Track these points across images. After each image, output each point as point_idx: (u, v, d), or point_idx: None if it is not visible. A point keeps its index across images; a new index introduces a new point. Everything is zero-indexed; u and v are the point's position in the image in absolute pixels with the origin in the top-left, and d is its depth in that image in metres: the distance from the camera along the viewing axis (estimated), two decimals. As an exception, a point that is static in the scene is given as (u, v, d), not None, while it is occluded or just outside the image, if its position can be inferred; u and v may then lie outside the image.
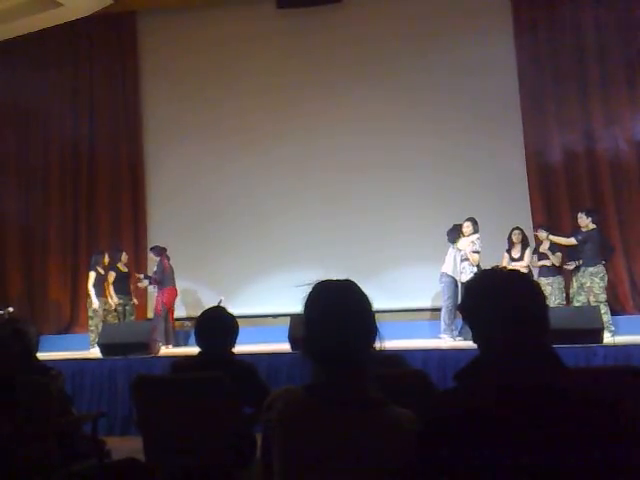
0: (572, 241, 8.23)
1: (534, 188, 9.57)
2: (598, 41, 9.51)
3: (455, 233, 8.35)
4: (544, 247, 8.46)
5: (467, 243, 8.21)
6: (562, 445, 1.36)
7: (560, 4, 9.53)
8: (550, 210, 9.51)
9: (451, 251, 8.35)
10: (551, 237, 8.44)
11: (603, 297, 7.92)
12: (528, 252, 8.44)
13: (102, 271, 9.35)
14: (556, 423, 1.37)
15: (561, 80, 9.57)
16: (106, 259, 9.45)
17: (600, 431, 1.37)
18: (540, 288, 1.60)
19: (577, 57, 9.59)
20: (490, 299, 1.54)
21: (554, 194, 9.57)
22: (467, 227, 8.32)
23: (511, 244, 8.61)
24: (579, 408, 1.39)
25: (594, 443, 1.36)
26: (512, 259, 8.52)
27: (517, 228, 8.74)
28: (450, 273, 8.25)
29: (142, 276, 9.61)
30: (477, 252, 8.17)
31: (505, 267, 1.62)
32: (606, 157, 9.41)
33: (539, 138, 9.55)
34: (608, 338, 7.02)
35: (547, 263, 8.35)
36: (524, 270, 8.18)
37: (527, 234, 8.64)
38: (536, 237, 8.72)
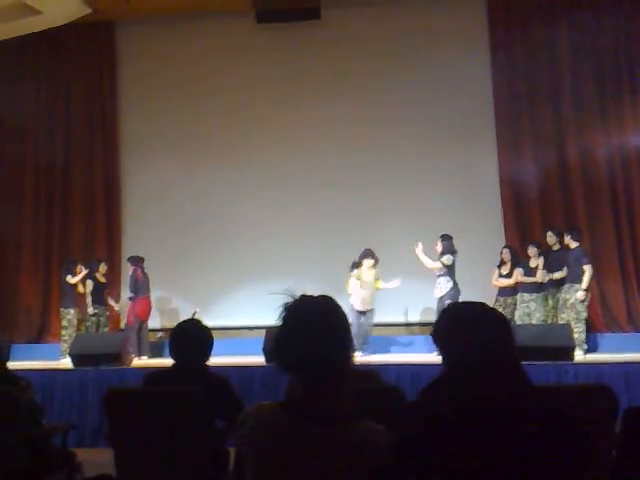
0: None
1: (507, 205, 9.69)
2: (572, 62, 9.68)
3: (357, 264, 8.61)
4: (533, 263, 8.54)
5: (370, 278, 8.53)
6: (523, 457, 1.39)
7: (535, 26, 9.67)
8: (523, 228, 9.62)
9: (352, 280, 8.58)
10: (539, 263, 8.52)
11: (584, 315, 8.01)
12: (517, 271, 8.54)
13: (74, 280, 9.29)
14: (519, 436, 1.40)
15: (535, 99, 9.72)
16: (78, 269, 9.37)
17: (563, 448, 1.40)
18: (505, 319, 1.67)
19: (551, 78, 9.74)
20: (457, 331, 1.61)
21: (527, 212, 9.69)
22: (437, 245, 8.43)
23: (501, 261, 8.75)
24: (542, 424, 1.42)
25: (556, 460, 1.39)
26: (500, 275, 8.68)
27: (506, 246, 8.91)
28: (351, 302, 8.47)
29: (114, 302, 9.65)
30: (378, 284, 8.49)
31: (475, 302, 1.73)
32: (579, 177, 9.56)
33: (513, 156, 9.67)
34: (580, 356, 7.12)
35: (531, 280, 8.41)
36: (511, 286, 8.50)
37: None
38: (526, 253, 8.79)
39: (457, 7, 10.01)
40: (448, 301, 7.95)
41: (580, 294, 7.93)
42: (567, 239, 8.27)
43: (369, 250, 8.59)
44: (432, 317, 8.61)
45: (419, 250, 8.35)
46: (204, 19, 10.42)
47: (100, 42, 10.75)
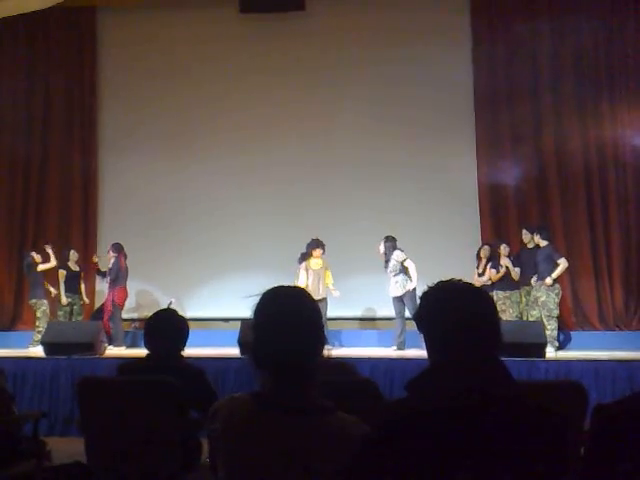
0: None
1: (484, 205, 9.74)
2: (552, 60, 9.76)
3: (305, 255, 8.61)
4: (505, 261, 8.60)
5: (320, 263, 8.56)
6: (507, 454, 1.39)
7: (517, 23, 9.72)
8: (499, 227, 9.68)
9: (302, 272, 8.56)
10: (507, 262, 8.59)
11: (556, 312, 8.07)
12: (489, 268, 8.62)
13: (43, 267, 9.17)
14: (501, 433, 1.41)
15: (515, 99, 9.77)
16: (36, 258, 9.21)
17: (543, 442, 1.42)
18: (493, 302, 1.63)
19: (531, 75, 9.81)
20: (443, 310, 1.57)
21: (503, 212, 9.75)
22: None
23: (479, 259, 8.80)
24: (525, 420, 1.43)
25: (538, 453, 1.40)
26: (478, 274, 8.73)
27: (486, 244, 8.95)
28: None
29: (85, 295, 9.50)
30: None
31: (460, 279, 1.67)
32: (555, 175, 9.65)
33: (491, 153, 9.73)
34: (550, 353, 7.20)
35: (500, 275, 8.50)
36: (487, 284, 8.47)
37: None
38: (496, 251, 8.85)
39: (441, 2, 10.05)
40: (408, 301, 8.05)
41: (548, 280, 7.99)
42: (536, 238, 8.35)
43: (317, 240, 8.59)
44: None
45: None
46: (187, 6, 10.34)
47: (81, 28, 10.63)
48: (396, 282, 8.22)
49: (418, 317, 1.63)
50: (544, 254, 8.20)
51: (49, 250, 9.24)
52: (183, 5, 10.35)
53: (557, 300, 8.13)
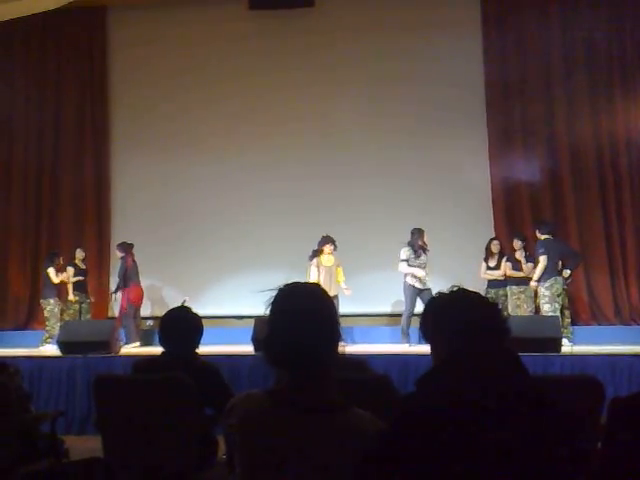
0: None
1: (497, 200, 9.69)
2: (564, 54, 9.69)
3: (317, 252, 8.59)
4: (518, 255, 8.57)
5: (331, 260, 8.57)
6: (521, 449, 1.39)
7: (528, 19, 9.68)
8: (513, 223, 9.61)
9: (313, 269, 8.55)
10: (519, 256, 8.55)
11: (547, 307, 7.92)
12: (504, 262, 8.59)
13: (57, 280, 9.19)
14: (515, 426, 1.40)
15: (527, 94, 9.72)
16: (61, 261, 9.31)
17: (557, 435, 1.41)
18: (496, 304, 1.67)
19: (543, 69, 9.76)
20: (449, 316, 1.59)
21: (517, 207, 9.70)
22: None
23: (489, 253, 8.76)
24: (540, 413, 1.43)
25: (553, 447, 1.40)
26: (489, 267, 8.69)
27: (496, 238, 8.91)
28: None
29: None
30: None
31: (460, 287, 1.73)
32: (568, 169, 9.59)
33: (504, 150, 9.66)
34: (566, 347, 7.15)
35: (520, 274, 8.43)
36: (500, 278, 8.54)
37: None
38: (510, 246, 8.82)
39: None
40: (426, 299, 8.04)
41: (533, 284, 8.05)
42: (537, 233, 8.29)
43: (328, 236, 8.58)
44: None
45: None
46: (196, 4, 10.33)
47: (91, 28, 10.66)
48: (425, 275, 8.22)
49: (423, 324, 1.66)
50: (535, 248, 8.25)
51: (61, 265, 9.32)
52: (192, 3, 10.35)
53: (547, 293, 7.93)
